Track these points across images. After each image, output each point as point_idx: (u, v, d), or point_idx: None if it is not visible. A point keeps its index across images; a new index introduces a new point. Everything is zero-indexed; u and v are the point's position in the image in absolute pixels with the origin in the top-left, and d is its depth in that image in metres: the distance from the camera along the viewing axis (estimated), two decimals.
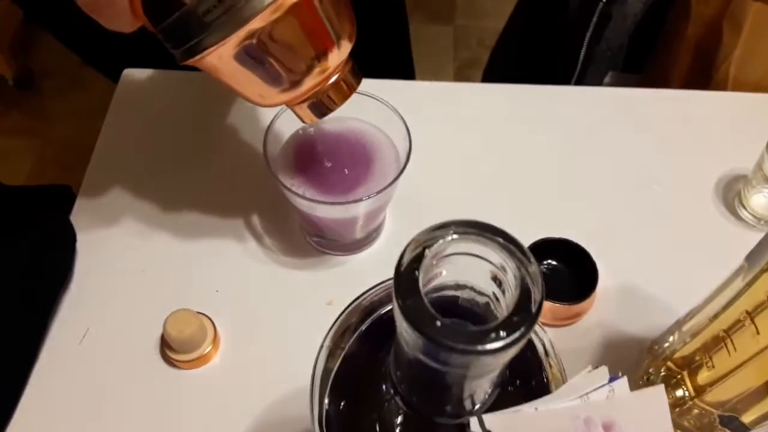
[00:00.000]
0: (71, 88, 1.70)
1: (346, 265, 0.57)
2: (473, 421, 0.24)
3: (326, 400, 0.30)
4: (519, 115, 0.67)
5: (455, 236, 0.21)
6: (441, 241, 0.21)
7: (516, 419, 0.25)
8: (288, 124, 0.52)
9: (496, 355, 0.19)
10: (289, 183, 0.51)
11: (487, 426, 0.24)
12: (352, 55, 0.44)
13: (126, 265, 0.56)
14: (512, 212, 0.59)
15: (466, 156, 0.64)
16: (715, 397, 0.44)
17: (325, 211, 0.51)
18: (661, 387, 0.26)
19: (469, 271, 0.23)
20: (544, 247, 0.54)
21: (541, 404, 0.25)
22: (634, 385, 0.50)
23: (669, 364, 0.47)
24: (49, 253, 0.55)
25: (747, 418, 0.43)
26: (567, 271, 0.54)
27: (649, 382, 0.50)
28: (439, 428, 0.26)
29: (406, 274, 0.20)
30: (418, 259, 0.21)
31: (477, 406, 0.25)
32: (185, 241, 0.58)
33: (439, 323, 0.19)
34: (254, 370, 0.52)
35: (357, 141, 0.53)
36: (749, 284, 0.38)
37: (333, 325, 0.32)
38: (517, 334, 0.19)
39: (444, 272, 0.23)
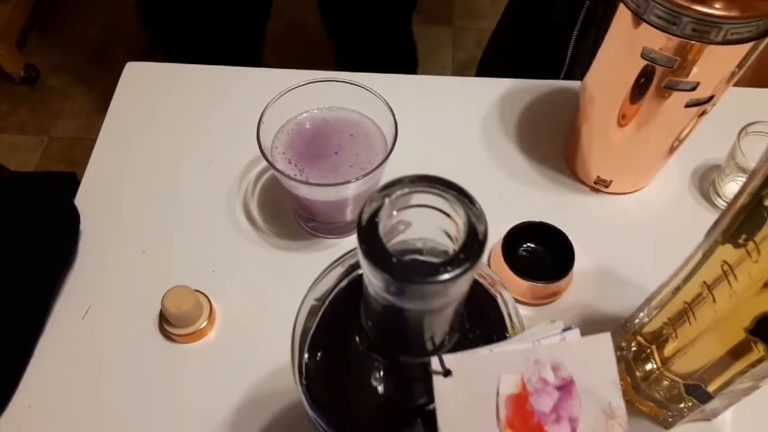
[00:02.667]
0: (77, 85, 1.73)
1: (336, 248, 0.59)
2: (434, 360, 0.27)
3: (306, 354, 0.33)
4: (507, 107, 0.69)
5: (410, 184, 0.24)
6: (398, 192, 0.24)
7: (473, 359, 0.27)
8: (280, 112, 0.55)
9: (447, 285, 0.22)
10: (282, 167, 0.54)
11: (447, 365, 0.27)
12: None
13: (127, 247, 0.59)
14: (494, 198, 0.62)
15: (455, 143, 0.66)
16: (680, 368, 0.46)
17: (317, 193, 0.53)
18: (607, 334, 0.28)
19: (426, 225, 0.25)
20: (525, 230, 0.56)
21: (496, 347, 0.28)
22: None
23: (639, 338, 0.50)
24: (54, 234, 0.58)
25: (711, 388, 0.45)
26: (546, 253, 0.57)
27: (621, 358, 0.52)
28: (404, 368, 0.29)
29: (368, 221, 0.23)
30: (377, 209, 0.23)
31: (439, 348, 0.28)
32: (183, 225, 0.61)
33: (395, 260, 0.22)
34: (247, 345, 0.54)
35: (346, 128, 0.56)
36: (706, 256, 0.41)
37: (313, 283, 0.34)
38: (465, 265, 0.22)
39: (402, 227, 0.25)
